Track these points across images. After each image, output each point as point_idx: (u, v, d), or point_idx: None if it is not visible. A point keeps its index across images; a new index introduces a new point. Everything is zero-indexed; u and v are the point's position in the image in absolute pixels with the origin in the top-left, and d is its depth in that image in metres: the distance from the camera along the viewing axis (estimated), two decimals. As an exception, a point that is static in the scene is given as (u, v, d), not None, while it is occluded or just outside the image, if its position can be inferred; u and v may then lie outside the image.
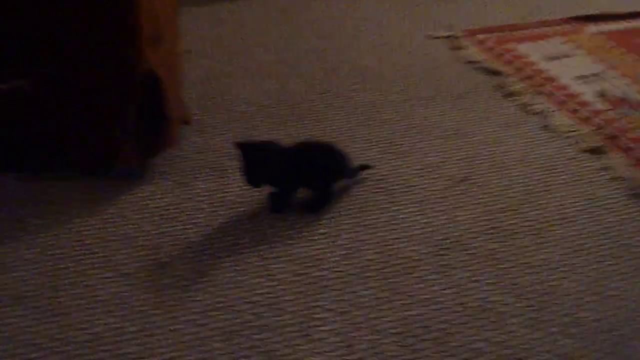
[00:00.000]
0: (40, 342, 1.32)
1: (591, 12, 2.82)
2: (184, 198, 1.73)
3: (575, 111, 2.15)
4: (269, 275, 1.49)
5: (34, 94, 1.65)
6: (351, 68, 2.34)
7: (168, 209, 1.69)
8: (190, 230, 1.62)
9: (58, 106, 1.69)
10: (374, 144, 1.94)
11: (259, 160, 1.61)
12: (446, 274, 1.51)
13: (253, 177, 1.61)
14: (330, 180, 1.71)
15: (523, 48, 2.54)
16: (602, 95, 2.26)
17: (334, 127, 2.01)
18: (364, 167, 1.79)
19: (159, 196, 1.73)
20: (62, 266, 1.51)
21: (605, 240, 1.62)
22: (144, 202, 1.71)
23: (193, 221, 1.65)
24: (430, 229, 1.63)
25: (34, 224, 1.63)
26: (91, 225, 1.63)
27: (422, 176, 1.82)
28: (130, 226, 1.63)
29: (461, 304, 1.43)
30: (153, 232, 1.61)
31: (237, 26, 2.62)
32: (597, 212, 1.72)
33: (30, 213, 1.66)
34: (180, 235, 1.60)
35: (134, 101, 1.68)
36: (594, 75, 2.38)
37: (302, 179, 1.70)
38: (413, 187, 1.77)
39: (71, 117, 1.71)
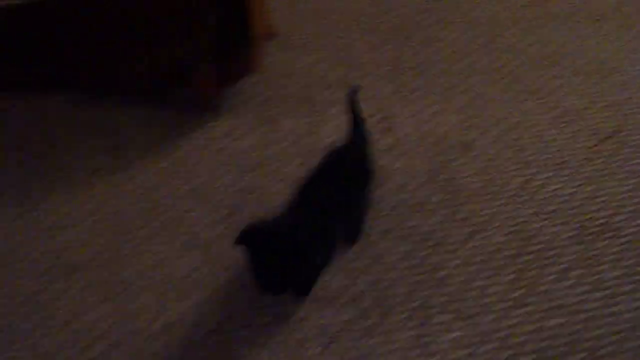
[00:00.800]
0: (99, 330, 1.09)
1: None
2: (267, 140, 1.43)
3: None
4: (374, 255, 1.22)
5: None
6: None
7: (248, 154, 1.40)
8: (274, 187, 1.33)
9: (121, 13, 1.38)
10: (495, 78, 1.57)
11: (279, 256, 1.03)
12: (594, 268, 1.20)
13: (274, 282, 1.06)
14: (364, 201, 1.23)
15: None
16: None
17: (447, 52, 1.64)
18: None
19: (237, 136, 1.44)
20: (124, 229, 1.26)
21: None
22: (220, 145, 1.42)
23: (278, 172, 1.36)
24: (572, 206, 1.31)
25: (87, 168, 1.38)
26: (157, 175, 1.37)
27: (559, 128, 1.46)
28: (204, 177, 1.36)
29: (613, 314, 1.14)
30: (230, 188, 1.34)
31: None
32: None
33: (85, 154, 1.41)
34: (264, 190, 1.33)
35: (213, 11, 1.35)
36: None
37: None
38: (548, 145, 1.43)
39: (136, 28, 1.40)
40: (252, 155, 1.40)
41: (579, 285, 1.17)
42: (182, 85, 1.45)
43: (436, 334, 1.08)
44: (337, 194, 1.15)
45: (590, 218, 1.28)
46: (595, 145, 1.42)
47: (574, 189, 1.33)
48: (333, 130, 1.42)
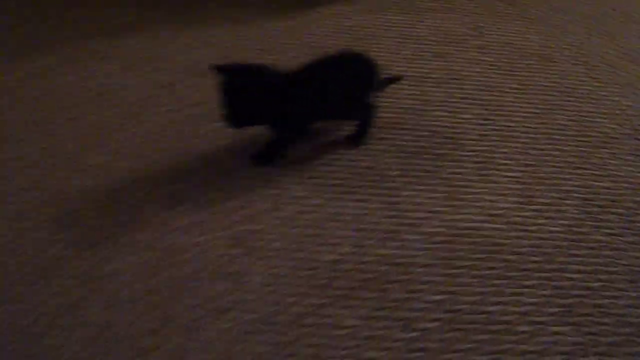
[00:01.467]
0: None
1: None
2: (371, 23, 1.66)
3: None
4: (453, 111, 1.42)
5: None
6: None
7: (354, 30, 1.64)
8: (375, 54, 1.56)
9: None
10: (575, 21, 1.77)
11: (247, 90, 1.16)
12: (643, 159, 1.38)
13: (237, 115, 1.18)
14: (362, 102, 1.31)
15: None
16: None
17: (539, 7, 1.83)
18: (394, 79, 1.39)
19: (348, 17, 1.68)
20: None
21: None
22: (334, 20, 1.66)
23: (379, 44, 1.59)
24: (633, 112, 1.48)
25: (220, 16, 1.66)
26: (279, 27, 1.62)
27: (631, 60, 1.64)
28: (316, 35, 1.60)
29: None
30: (340, 45, 1.55)
31: None
32: None
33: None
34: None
35: None
36: None
37: (318, 112, 1.27)
38: (616, 70, 1.60)
39: None
40: (357, 30, 1.64)
41: (629, 165, 1.35)
42: None
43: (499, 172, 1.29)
44: (340, 85, 1.25)
45: (648, 125, 1.46)
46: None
47: (637, 102, 1.52)
48: (427, 30, 1.66)
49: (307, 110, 1.25)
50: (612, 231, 1.20)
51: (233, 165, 1.26)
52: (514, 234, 1.19)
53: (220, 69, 1.16)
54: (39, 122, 1.34)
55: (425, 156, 1.32)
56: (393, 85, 1.42)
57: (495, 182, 1.27)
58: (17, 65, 1.48)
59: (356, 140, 1.33)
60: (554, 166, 1.32)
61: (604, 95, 1.51)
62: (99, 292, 1.05)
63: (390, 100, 1.42)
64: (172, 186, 1.22)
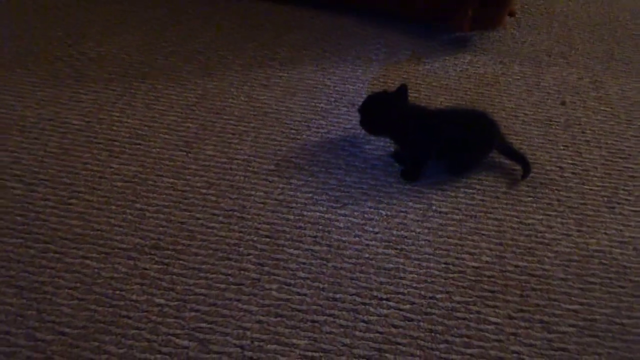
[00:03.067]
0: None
1: None
2: (501, 72, 1.84)
3: None
4: (577, 151, 1.56)
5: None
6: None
7: (486, 77, 1.81)
8: (504, 98, 1.73)
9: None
10: None
11: (378, 104, 1.47)
12: None
13: (366, 122, 1.49)
14: (475, 154, 1.49)
15: None
16: None
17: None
18: (519, 158, 1.50)
19: (478, 65, 1.86)
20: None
21: None
22: (465, 67, 1.85)
23: (508, 91, 1.76)
24: None
25: (369, 57, 1.88)
26: (417, 72, 1.82)
27: None
28: (451, 79, 1.79)
29: None
30: (473, 89, 1.75)
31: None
32: None
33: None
34: (498, 101, 1.73)
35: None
36: None
37: (432, 147, 1.46)
38: None
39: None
40: (488, 77, 1.81)
41: None
42: (446, 20, 1.92)
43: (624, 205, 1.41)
44: (455, 129, 1.43)
45: None
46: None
47: None
48: (551, 80, 1.81)
49: (422, 141, 1.45)
50: None
51: (385, 181, 1.44)
52: (640, 259, 1.31)
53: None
54: (214, 131, 1.55)
55: (554, 187, 1.45)
56: (523, 126, 1.59)
57: (620, 214, 1.40)
58: (199, 83, 1.73)
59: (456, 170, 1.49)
60: (676, 205, 1.44)
61: None
62: (277, 272, 1.23)
63: (522, 138, 1.58)
64: (334, 193, 1.40)
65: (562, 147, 1.57)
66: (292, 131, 1.57)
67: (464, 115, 1.50)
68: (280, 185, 1.41)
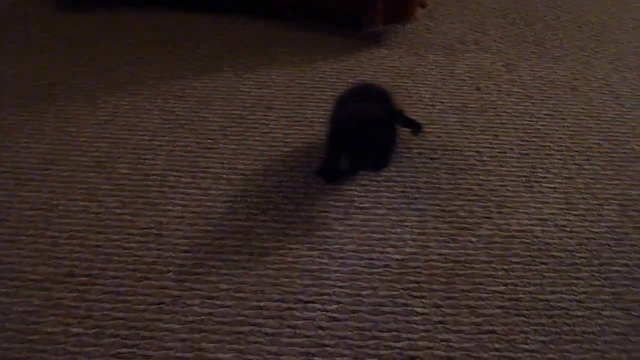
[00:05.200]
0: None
1: None
2: (416, 64, 1.85)
3: None
4: (494, 134, 1.58)
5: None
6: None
7: (401, 69, 1.82)
8: (421, 89, 1.74)
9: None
10: (601, 56, 1.95)
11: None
12: None
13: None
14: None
15: None
16: None
17: (563, 36, 2.03)
18: (414, 126, 1.55)
19: (393, 59, 1.87)
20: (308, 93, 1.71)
21: None
22: (380, 61, 1.85)
23: (424, 82, 1.77)
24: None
25: (284, 59, 1.85)
26: (333, 69, 1.81)
27: None
28: (367, 75, 1.78)
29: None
30: (389, 82, 1.75)
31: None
32: None
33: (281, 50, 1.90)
34: (415, 92, 1.73)
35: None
36: None
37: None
38: (642, 96, 1.77)
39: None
40: (403, 70, 1.82)
41: None
42: (362, 15, 1.92)
43: (541, 183, 1.44)
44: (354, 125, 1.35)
45: None
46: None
47: None
48: (465, 67, 1.83)
49: (328, 136, 1.41)
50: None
51: (304, 182, 1.42)
52: (560, 234, 1.32)
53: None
54: (128, 149, 1.50)
55: (473, 172, 1.46)
56: (441, 114, 1.60)
57: (539, 192, 1.42)
58: (110, 101, 1.67)
59: (378, 164, 1.44)
60: (591, 178, 1.46)
61: (630, 119, 1.67)
62: (199, 287, 1.19)
63: (439, 126, 1.59)
64: (253, 200, 1.37)
65: (479, 132, 1.59)
66: (209, 141, 1.54)
67: (359, 99, 1.45)
68: (198, 197, 1.38)
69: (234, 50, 1.90)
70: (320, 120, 1.57)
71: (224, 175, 1.43)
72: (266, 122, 1.59)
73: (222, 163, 1.47)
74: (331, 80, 1.76)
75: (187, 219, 1.33)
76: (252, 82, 1.75)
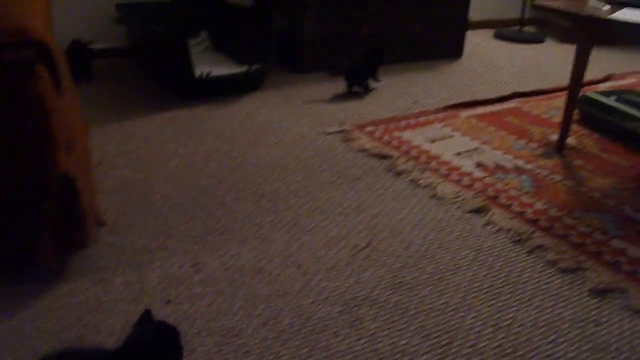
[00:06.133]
0: None
1: (463, 100, 3.23)
2: (103, 293, 1.78)
3: (458, 181, 2.42)
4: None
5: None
6: (255, 164, 2.53)
7: (88, 305, 1.73)
8: (112, 320, 1.66)
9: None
10: (280, 227, 2.09)
11: None
12: (358, 327, 1.63)
13: None
14: None
15: (407, 135, 2.84)
16: (479, 165, 2.55)
17: (243, 216, 2.15)
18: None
19: (78, 293, 1.77)
20: None
21: (496, 281, 1.82)
22: (64, 300, 1.74)
23: (114, 310, 1.70)
24: (340, 291, 1.76)
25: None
26: (9, 324, 1.65)
27: (329, 247, 1.97)
28: (54, 321, 1.66)
29: (374, 350, 1.55)
30: (76, 324, 1.64)
31: (145, 139, 2.77)
32: (487, 259, 1.93)
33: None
34: (105, 324, 1.65)
35: (50, 197, 1.76)
36: (471, 150, 2.69)
37: None
38: (321, 258, 1.92)
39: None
40: (90, 303, 1.73)
41: (347, 338, 1.59)
42: (32, 253, 1.78)
43: None
44: None
45: (353, 297, 1.74)
46: (353, 255, 1.93)
47: (340, 282, 1.81)
48: (155, 280, 1.82)
49: None
50: None
51: None
52: None
53: None
54: None
55: None
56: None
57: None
58: None
59: None
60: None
61: (315, 285, 1.79)
62: None
63: None
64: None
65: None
66: None
67: None
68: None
69: None
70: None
71: None
72: None
73: None
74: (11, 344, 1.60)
75: None
76: None
